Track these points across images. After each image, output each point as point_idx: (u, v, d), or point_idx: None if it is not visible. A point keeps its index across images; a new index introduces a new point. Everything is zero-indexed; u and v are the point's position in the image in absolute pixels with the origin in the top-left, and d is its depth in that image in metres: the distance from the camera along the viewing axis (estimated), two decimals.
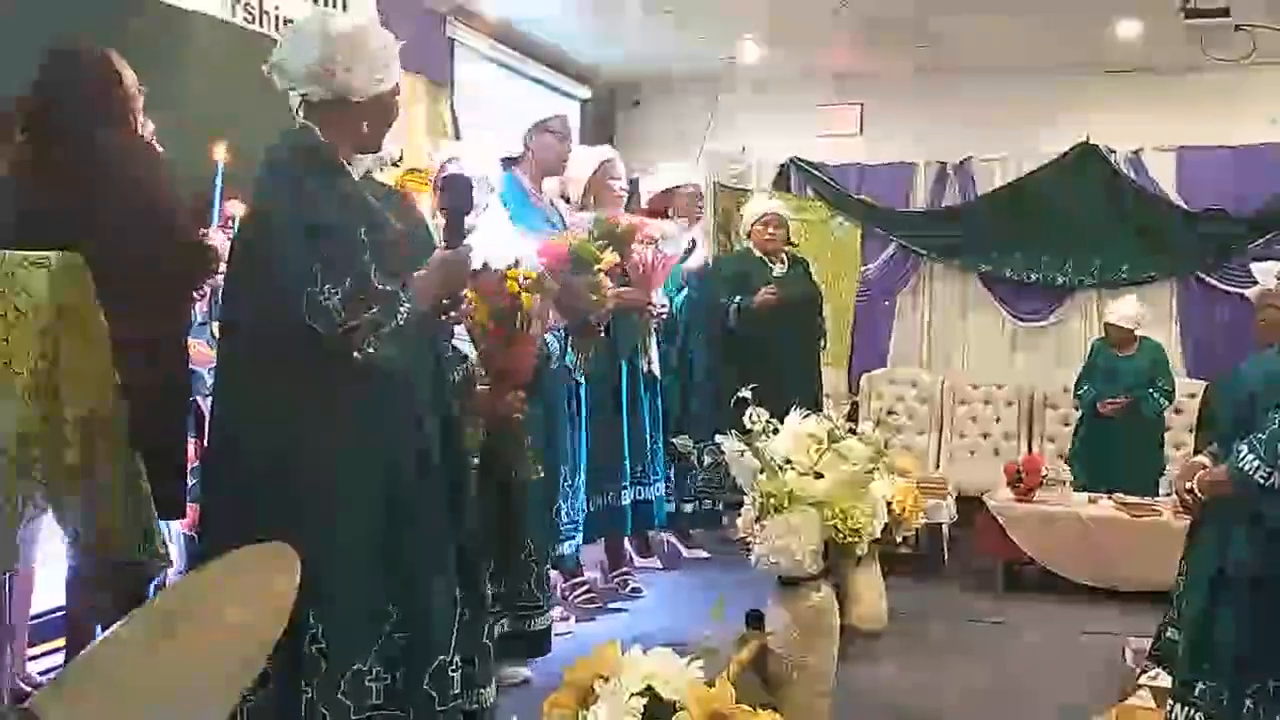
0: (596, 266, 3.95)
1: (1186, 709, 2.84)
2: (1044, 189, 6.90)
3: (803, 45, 6.48)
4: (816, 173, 7.41)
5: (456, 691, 2.36)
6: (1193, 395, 6.29)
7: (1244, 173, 6.46)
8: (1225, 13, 5.46)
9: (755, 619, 3.04)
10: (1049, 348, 7.06)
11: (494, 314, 3.07)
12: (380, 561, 2.26)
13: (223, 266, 2.65)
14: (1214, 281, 6.58)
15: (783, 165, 7.49)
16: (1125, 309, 5.83)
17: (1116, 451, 5.63)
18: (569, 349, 3.98)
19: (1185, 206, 6.63)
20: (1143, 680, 3.58)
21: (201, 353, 3.17)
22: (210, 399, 2.58)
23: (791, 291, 5.48)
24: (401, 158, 3.95)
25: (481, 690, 2.52)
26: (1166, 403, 5.75)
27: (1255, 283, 3.53)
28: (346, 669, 2.20)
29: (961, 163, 7.14)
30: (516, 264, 3.14)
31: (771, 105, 7.32)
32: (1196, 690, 2.83)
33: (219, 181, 3.23)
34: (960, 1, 5.70)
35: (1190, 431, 6.21)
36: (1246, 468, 2.70)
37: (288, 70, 2.29)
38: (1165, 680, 3.24)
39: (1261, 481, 2.67)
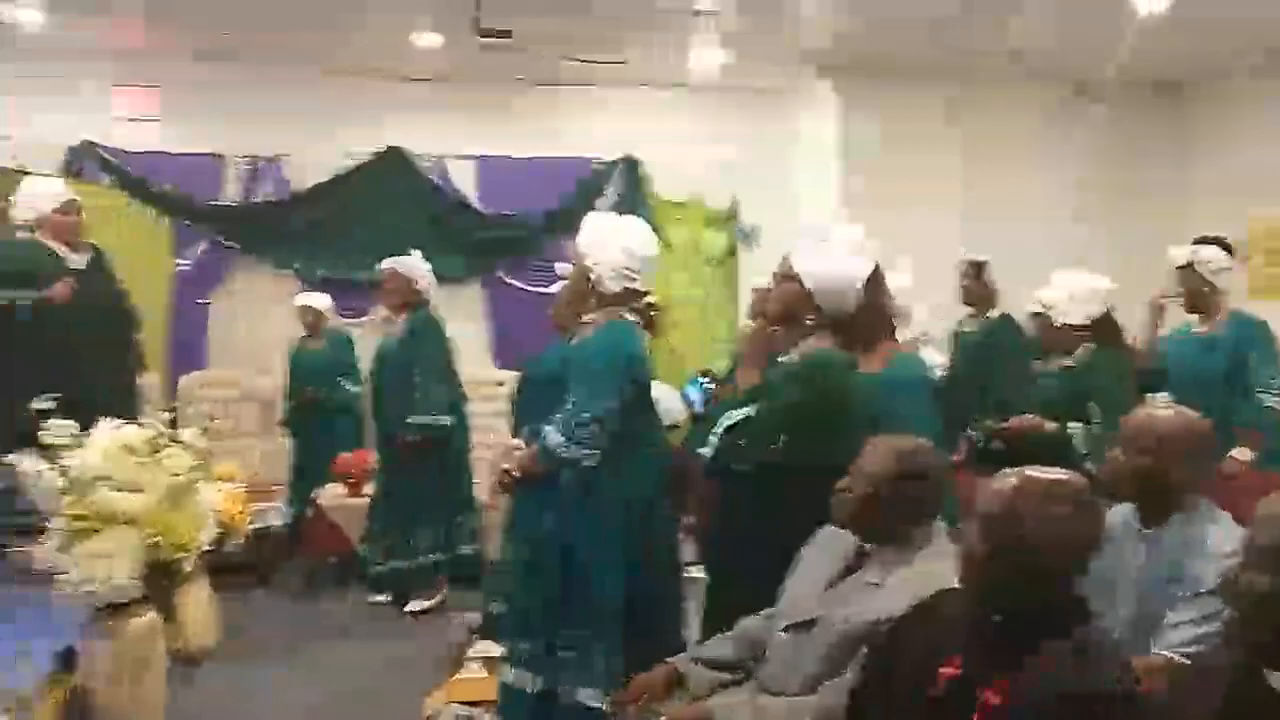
0: None
1: (515, 670, 3.08)
2: (355, 189, 7.05)
3: (87, 15, 5.85)
4: (113, 158, 6.77)
5: None
6: (500, 384, 6.85)
7: (535, 182, 7.20)
8: (509, 35, 6.02)
9: (66, 658, 2.68)
10: (369, 343, 7.21)
11: None
12: None
13: None
14: (513, 281, 7.24)
15: (73, 147, 6.73)
16: (316, 299, 6.15)
17: (323, 441, 5.82)
18: None
19: (484, 211, 7.20)
20: (472, 652, 3.81)
21: None
22: None
23: (94, 287, 4.91)
24: None
25: None
26: (356, 389, 5.99)
27: (557, 279, 3.91)
28: None
29: (274, 158, 7.00)
30: None
31: (55, 79, 6.54)
32: (522, 650, 3.08)
33: None
34: None
35: (502, 417, 6.74)
36: (551, 445, 3.00)
37: None
38: (494, 649, 3.48)
39: (563, 455, 2.98)
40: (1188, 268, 4.10)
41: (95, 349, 4.76)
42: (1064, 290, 4.28)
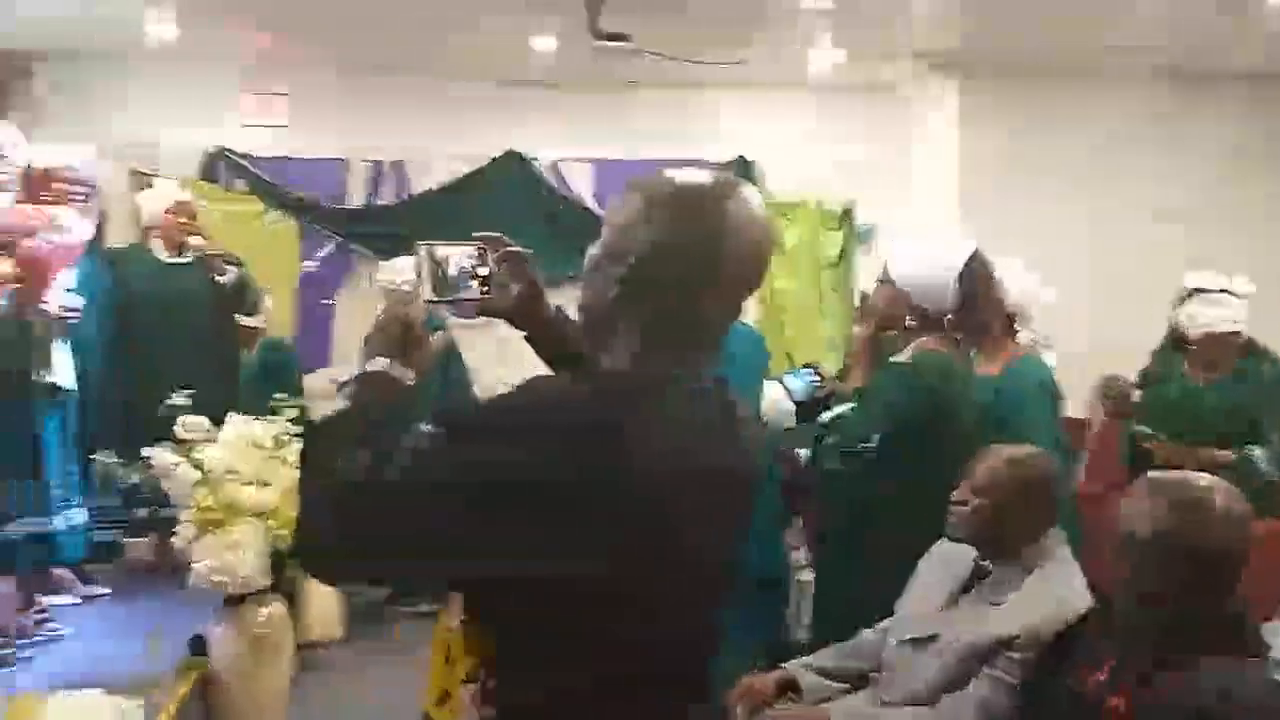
0: None
1: None
2: (474, 191, 7.16)
3: (220, 25, 6.08)
4: (245, 164, 7.03)
5: None
6: None
7: None
8: (627, 38, 6.05)
9: (198, 645, 2.80)
10: (488, 345, 7.32)
11: None
12: None
13: None
14: None
15: (208, 154, 7.01)
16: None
17: None
18: None
19: (600, 213, 7.24)
20: None
21: None
22: None
23: (192, 286, 5.11)
24: None
25: None
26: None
27: None
28: None
29: (395, 162, 7.17)
30: None
31: (190, 89, 6.81)
32: None
33: None
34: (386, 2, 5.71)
35: None
36: None
37: None
38: None
39: None
40: None
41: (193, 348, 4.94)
42: (1199, 297, 4.02)
